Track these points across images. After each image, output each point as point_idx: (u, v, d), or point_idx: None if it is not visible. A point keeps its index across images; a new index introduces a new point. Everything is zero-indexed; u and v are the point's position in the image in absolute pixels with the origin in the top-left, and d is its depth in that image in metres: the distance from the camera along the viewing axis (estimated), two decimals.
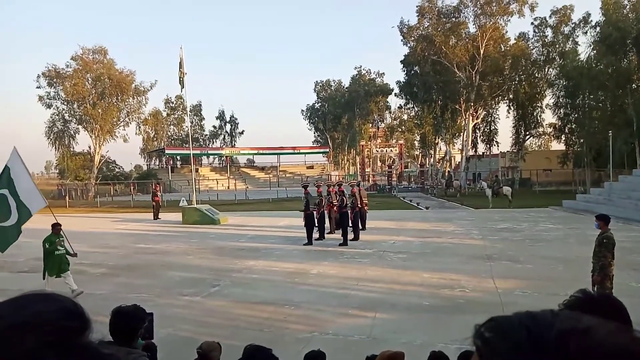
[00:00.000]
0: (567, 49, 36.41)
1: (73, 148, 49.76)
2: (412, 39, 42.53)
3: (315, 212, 14.97)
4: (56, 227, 9.18)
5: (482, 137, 45.87)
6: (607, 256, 6.64)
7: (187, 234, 17.21)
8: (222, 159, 69.01)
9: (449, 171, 46.58)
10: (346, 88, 69.89)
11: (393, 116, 71.06)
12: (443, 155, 53.77)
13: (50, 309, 0.68)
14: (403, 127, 69.40)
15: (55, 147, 48.68)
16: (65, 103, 46.89)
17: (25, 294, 0.71)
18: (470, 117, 41.42)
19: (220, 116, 73.79)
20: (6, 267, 11.86)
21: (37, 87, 45.79)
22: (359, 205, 15.53)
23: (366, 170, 53.72)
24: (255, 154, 68.23)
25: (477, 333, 0.60)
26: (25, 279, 10.51)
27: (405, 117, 67.52)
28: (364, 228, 16.73)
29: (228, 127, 74.26)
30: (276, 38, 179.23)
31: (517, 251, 12.05)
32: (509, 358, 0.53)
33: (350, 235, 14.51)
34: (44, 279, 8.85)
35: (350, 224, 14.67)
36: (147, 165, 70.97)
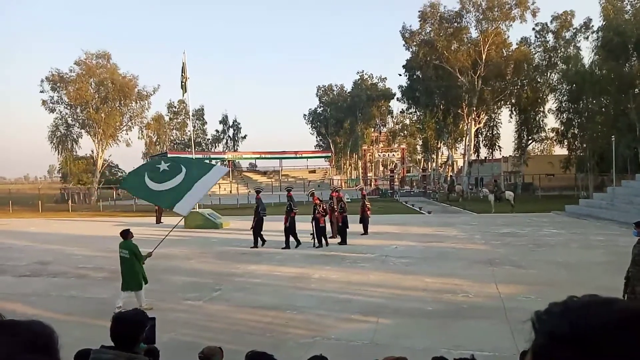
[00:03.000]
0: (568, 54, 36.37)
1: (76, 152, 49.90)
2: (414, 43, 42.61)
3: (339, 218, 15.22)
4: (130, 233, 8.47)
5: (484, 141, 45.80)
6: None
7: (189, 239, 17.20)
8: (225, 163, 69.10)
9: (451, 176, 46.55)
10: (348, 92, 70.04)
11: (395, 121, 71.17)
12: (445, 160, 53.73)
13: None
14: (405, 132, 69.45)
15: (58, 151, 48.78)
16: (69, 107, 47.06)
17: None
18: (473, 122, 41.40)
19: (223, 121, 73.98)
20: (9, 271, 11.88)
21: (41, 92, 46.00)
22: (346, 211, 15.52)
23: (368, 174, 53.70)
24: (258, 158, 68.38)
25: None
26: (27, 283, 10.50)
27: (407, 121, 67.60)
28: (366, 232, 16.74)
29: (231, 131, 74.43)
30: (279, 43, 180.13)
31: (520, 256, 12.00)
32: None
33: (338, 239, 14.91)
34: (140, 288, 8.02)
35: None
36: None
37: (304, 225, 14.63)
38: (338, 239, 15.14)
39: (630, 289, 6.51)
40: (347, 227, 15.10)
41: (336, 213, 15.52)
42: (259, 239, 14.78)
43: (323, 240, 14.53)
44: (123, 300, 7.77)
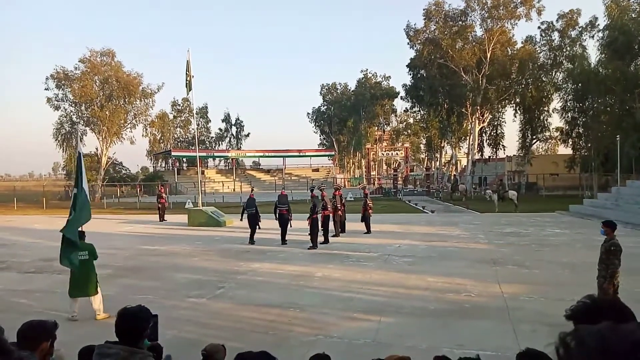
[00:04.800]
0: (574, 53, 36.14)
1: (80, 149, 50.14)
2: (419, 42, 42.46)
3: (320, 216, 14.97)
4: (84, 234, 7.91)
5: (488, 140, 45.71)
6: (615, 264, 6.62)
7: (192, 236, 17.26)
8: (228, 161, 69.28)
9: (454, 175, 46.41)
10: (352, 91, 69.96)
11: (399, 119, 71.12)
12: (449, 159, 53.65)
13: None
14: (409, 131, 69.39)
15: (63, 149, 49.02)
16: (73, 105, 47.26)
17: None
18: (477, 121, 41.25)
19: (226, 119, 74.16)
20: (14, 267, 11.96)
21: (46, 89, 46.19)
22: (329, 210, 15.33)
23: (372, 173, 53.64)
24: (261, 156, 68.45)
25: (561, 341, 0.62)
26: (32, 279, 10.56)
27: (411, 120, 67.56)
28: (369, 231, 16.75)
29: (234, 129, 74.64)
30: (283, 41, 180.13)
31: (523, 256, 11.97)
32: None
33: (321, 239, 14.52)
34: (97, 291, 7.48)
35: (322, 227, 14.71)
36: (153, 167, 71.41)
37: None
38: (342, 236, 15.09)
39: (600, 287, 6.66)
40: (327, 228, 14.95)
41: (322, 212, 15.19)
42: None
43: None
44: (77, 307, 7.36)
